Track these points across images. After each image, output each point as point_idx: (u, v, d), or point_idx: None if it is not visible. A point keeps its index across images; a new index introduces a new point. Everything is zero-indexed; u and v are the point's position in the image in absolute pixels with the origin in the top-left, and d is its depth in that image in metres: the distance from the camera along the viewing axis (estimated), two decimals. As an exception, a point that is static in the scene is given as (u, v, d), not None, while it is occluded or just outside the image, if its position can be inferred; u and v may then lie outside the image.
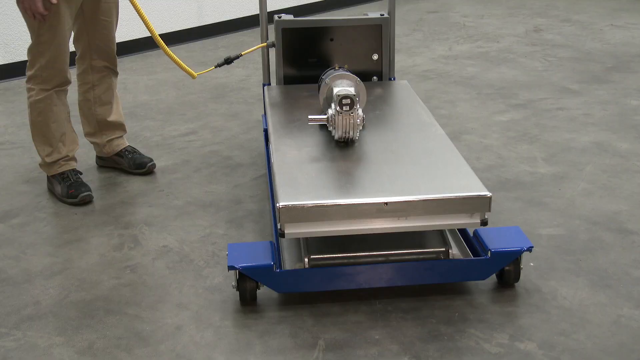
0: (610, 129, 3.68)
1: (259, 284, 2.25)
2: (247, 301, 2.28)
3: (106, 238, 2.74)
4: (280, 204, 2.11)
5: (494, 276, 2.38)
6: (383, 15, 3.15)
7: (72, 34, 3.02)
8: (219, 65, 3.18)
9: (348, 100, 2.36)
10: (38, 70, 2.89)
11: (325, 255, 2.30)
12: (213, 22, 5.88)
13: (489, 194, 2.16)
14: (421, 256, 2.32)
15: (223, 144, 3.62)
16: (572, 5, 6.67)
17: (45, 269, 2.54)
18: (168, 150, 3.56)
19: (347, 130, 2.42)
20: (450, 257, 2.31)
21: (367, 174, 2.31)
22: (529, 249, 2.28)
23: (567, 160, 3.31)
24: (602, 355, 2.04)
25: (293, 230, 2.14)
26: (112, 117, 3.23)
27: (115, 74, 3.21)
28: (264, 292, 2.31)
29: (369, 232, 2.21)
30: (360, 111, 2.41)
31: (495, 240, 2.30)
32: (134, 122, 3.94)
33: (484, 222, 2.18)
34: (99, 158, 3.35)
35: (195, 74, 3.15)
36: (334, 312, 2.25)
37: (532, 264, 2.47)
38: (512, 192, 3.02)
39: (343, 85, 2.51)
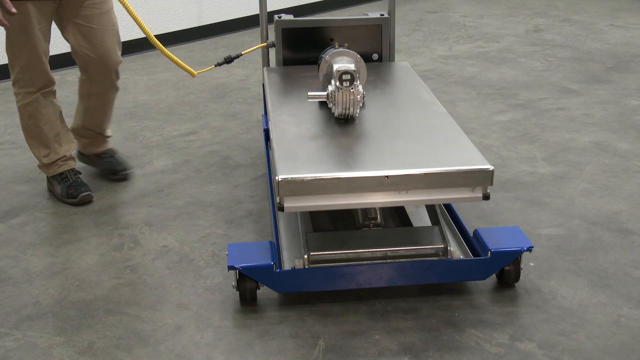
0: (610, 129, 3.68)
1: (259, 284, 2.25)
2: (247, 301, 2.28)
3: (106, 238, 2.74)
4: (280, 177, 2.08)
5: (494, 276, 2.38)
6: (383, 15, 3.15)
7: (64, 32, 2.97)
8: (219, 65, 3.18)
9: (348, 76, 2.33)
10: (20, 74, 2.86)
11: (325, 252, 2.29)
12: (213, 22, 5.88)
13: (491, 167, 2.14)
14: (420, 252, 2.32)
15: (223, 144, 3.62)
16: (572, 5, 6.67)
17: (45, 269, 2.54)
18: (168, 150, 3.56)
19: (347, 106, 2.39)
20: (449, 254, 2.31)
21: (367, 149, 2.29)
22: (529, 249, 2.28)
23: (567, 160, 3.32)
24: (602, 355, 2.04)
25: (292, 204, 2.11)
26: (101, 128, 3.18)
27: (115, 89, 3.11)
28: (264, 292, 2.31)
29: (369, 206, 2.18)
30: (360, 87, 2.38)
31: (495, 240, 2.30)
32: (134, 122, 3.94)
33: (486, 196, 2.16)
34: (81, 154, 3.30)
35: (195, 73, 3.14)
36: (334, 312, 2.25)
37: (532, 264, 2.48)
38: (512, 192, 3.02)
39: (343, 62, 2.47)
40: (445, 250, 2.32)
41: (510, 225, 2.73)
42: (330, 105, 2.46)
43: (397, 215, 2.78)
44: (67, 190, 2.99)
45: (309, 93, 2.46)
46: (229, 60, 3.17)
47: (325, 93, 2.43)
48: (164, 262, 2.56)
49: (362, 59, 2.56)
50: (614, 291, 2.33)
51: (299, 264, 2.28)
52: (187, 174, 3.29)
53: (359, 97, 2.38)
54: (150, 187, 3.16)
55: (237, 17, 6.03)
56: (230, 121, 3.93)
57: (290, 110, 2.61)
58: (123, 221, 2.87)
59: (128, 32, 5.25)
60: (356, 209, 2.53)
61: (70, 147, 3.09)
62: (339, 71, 2.34)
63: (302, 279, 2.23)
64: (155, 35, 3.08)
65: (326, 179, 2.09)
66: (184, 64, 3.06)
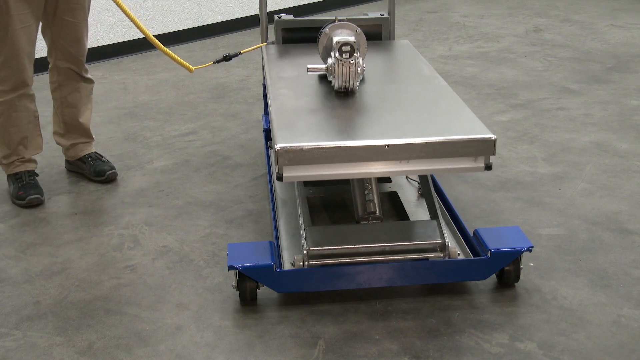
0: (610, 129, 3.68)
1: (259, 284, 2.25)
2: (247, 301, 2.28)
3: (106, 238, 2.74)
4: (279, 145, 2.05)
5: (494, 276, 2.38)
6: (383, 15, 3.15)
7: (41, 27, 2.97)
8: (217, 62, 3.18)
9: (348, 48, 2.30)
10: None
11: (324, 248, 2.29)
12: (213, 22, 5.88)
13: (493, 136, 2.11)
14: (418, 247, 2.32)
15: (223, 144, 3.62)
16: (572, 5, 6.67)
17: (45, 269, 2.54)
18: (168, 150, 3.56)
19: (347, 79, 2.36)
20: (447, 250, 2.31)
21: (367, 120, 2.25)
22: (529, 249, 2.28)
23: (567, 160, 3.32)
24: (602, 355, 2.04)
25: (291, 173, 2.08)
26: (79, 121, 3.17)
27: (84, 79, 3.13)
28: (264, 292, 2.31)
29: (369, 176, 2.14)
30: (360, 60, 2.35)
31: (495, 240, 2.30)
32: (134, 122, 3.94)
33: (488, 167, 2.14)
34: (67, 162, 3.31)
35: (193, 68, 3.14)
36: (334, 312, 2.25)
37: (532, 264, 2.47)
38: (512, 192, 3.02)
39: (343, 35, 2.44)
40: (443, 246, 2.31)
41: (510, 225, 2.73)
42: (330, 78, 2.43)
43: (397, 214, 2.78)
44: (17, 192, 2.99)
45: (309, 66, 2.43)
46: (227, 58, 3.17)
47: (325, 66, 2.41)
48: (164, 262, 2.56)
49: (362, 32, 2.52)
50: (614, 291, 2.33)
51: (298, 259, 2.27)
52: (187, 174, 3.29)
53: (359, 69, 2.35)
54: (150, 187, 3.16)
55: (237, 17, 6.03)
56: (230, 121, 3.93)
57: (289, 84, 2.58)
58: (123, 221, 2.87)
59: (128, 32, 5.26)
60: (355, 203, 2.52)
61: (36, 152, 3.09)
62: (338, 42, 2.31)
63: (302, 279, 2.23)
64: (156, 35, 3.09)
65: (326, 148, 2.06)
66: (181, 60, 3.06)
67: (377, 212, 2.46)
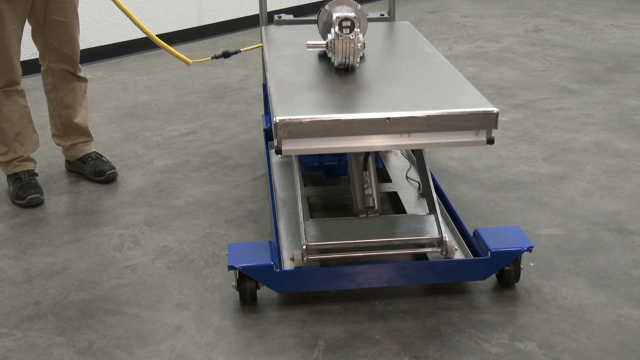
0: (610, 129, 3.68)
1: (259, 284, 2.25)
2: (247, 301, 2.28)
3: (106, 238, 2.74)
4: (277, 118, 2.02)
5: (494, 276, 2.38)
6: (383, 15, 3.14)
7: (31, 30, 2.98)
8: (216, 57, 3.18)
9: (348, 23, 2.28)
10: None
11: (323, 243, 2.29)
12: (213, 22, 5.88)
13: (495, 110, 2.09)
14: (416, 242, 2.32)
15: (223, 144, 3.62)
16: (572, 5, 6.67)
17: (45, 269, 2.54)
18: (168, 150, 3.56)
19: (347, 55, 2.33)
20: (445, 245, 2.30)
21: (368, 94, 2.23)
22: (529, 249, 2.28)
23: (567, 160, 3.32)
24: (602, 355, 2.04)
25: (290, 146, 2.05)
26: (76, 121, 3.16)
27: (78, 78, 3.13)
28: (264, 292, 2.31)
29: (369, 150, 2.12)
30: (360, 36, 2.32)
31: (495, 240, 2.30)
32: (134, 122, 3.94)
33: (490, 141, 2.11)
34: (67, 162, 3.31)
35: (190, 61, 3.14)
36: (334, 312, 2.25)
37: (532, 264, 2.48)
38: (512, 192, 3.02)
39: (343, 11, 2.41)
40: (441, 241, 2.31)
41: (510, 225, 2.73)
42: (329, 54, 2.41)
43: (397, 214, 2.78)
44: (16, 192, 2.99)
45: (308, 42, 2.40)
46: (227, 54, 3.16)
47: (324, 42, 2.39)
48: (164, 262, 2.56)
49: (362, 9, 2.50)
50: (614, 291, 2.33)
51: (297, 255, 2.27)
52: (187, 174, 3.28)
53: (359, 45, 2.33)
54: (150, 187, 3.16)
55: (237, 17, 6.03)
56: (230, 121, 3.93)
57: (288, 62, 2.55)
58: (123, 221, 2.87)
59: (128, 32, 5.26)
60: (354, 197, 2.52)
61: (32, 148, 3.09)
62: (338, 18, 2.28)
63: (302, 279, 2.23)
64: (156, 36, 3.09)
65: (325, 121, 2.03)
66: (178, 53, 3.06)
67: (376, 206, 2.46)
